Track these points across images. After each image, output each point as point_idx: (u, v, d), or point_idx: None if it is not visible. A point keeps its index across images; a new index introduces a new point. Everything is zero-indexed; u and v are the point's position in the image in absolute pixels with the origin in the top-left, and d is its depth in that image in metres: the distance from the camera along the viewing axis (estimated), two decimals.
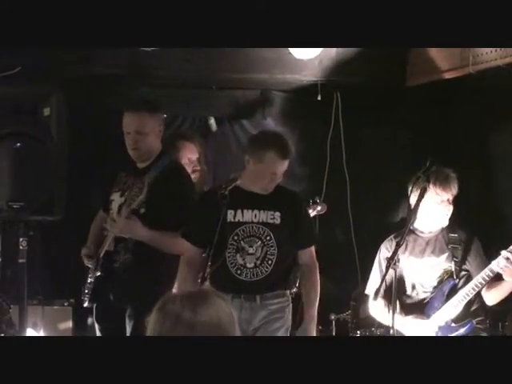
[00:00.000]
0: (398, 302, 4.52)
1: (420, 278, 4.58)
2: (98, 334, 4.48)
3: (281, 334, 4.27)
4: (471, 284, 4.41)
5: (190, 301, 2.32)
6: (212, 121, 6.18)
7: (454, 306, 4.45)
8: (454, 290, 4.49)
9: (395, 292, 4.21)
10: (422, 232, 4.62)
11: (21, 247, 4.45)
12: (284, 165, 4.27)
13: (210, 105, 6.13)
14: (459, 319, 4.48)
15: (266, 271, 4.25)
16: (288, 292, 4.43)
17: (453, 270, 4.52)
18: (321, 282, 4.44)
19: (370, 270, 4.80)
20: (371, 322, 5.09)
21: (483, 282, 4.36)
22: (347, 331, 5.35)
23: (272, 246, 4.25)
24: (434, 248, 4.58)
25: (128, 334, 4.28)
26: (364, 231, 6.11)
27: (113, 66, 5.52)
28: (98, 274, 4.42)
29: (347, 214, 6.16)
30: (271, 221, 4.25)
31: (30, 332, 4.96)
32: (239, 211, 4.24)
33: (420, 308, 4.55)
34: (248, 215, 4.25)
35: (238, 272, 4.23)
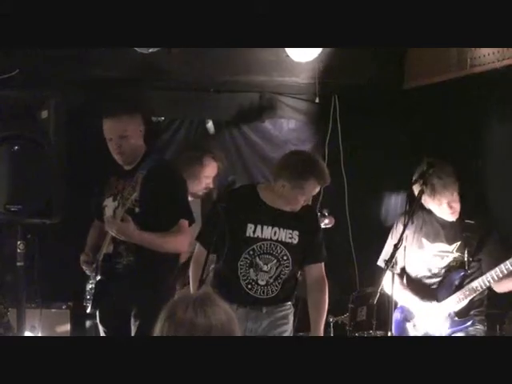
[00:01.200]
0: (405, 278, 4.60)
1: (429, 262, 4.57)
2: (103, 335, 4.47)
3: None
4: (479, 281, 4.39)
5: (200, 305, 2.33)
6: (210, 124, 6.18)
7: (461, 299, 4.45)
8: (463, 281, 4.48)
9: (392, 295, 4.19)
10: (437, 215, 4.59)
11: (18, 250, 4.43)
12: (319, 188, 4.26)
13: (208, 107, 6.12)
14: (463, 313, 4.48)
15: (277, 289, 4.25)
16: (291, 301, 4.44)
17: (465, 260, 4.49)
18: None
19: (369, 272, 4.79)
20: (369, 325, 5.09)
21: (491, 281, 4.33)
22: (345, 334, 5.35)
23: (287, 266, 4.24)
24: (448, 235, 4.55)
25: (133, 335, 4.27)
26: (362, 234, 6.11)
27: (111, 68, 5.52)
28: (99, 278, 4.40)
29: (345, 216, 6.16)
30: (289, 240, 4.23)
31: (28, 335, 4.95)
32: (259, 227, 4.21)
33: (429, 293, 4.54)
34: (267, 232, 4.22)
35: (249, 287, 4.22)
